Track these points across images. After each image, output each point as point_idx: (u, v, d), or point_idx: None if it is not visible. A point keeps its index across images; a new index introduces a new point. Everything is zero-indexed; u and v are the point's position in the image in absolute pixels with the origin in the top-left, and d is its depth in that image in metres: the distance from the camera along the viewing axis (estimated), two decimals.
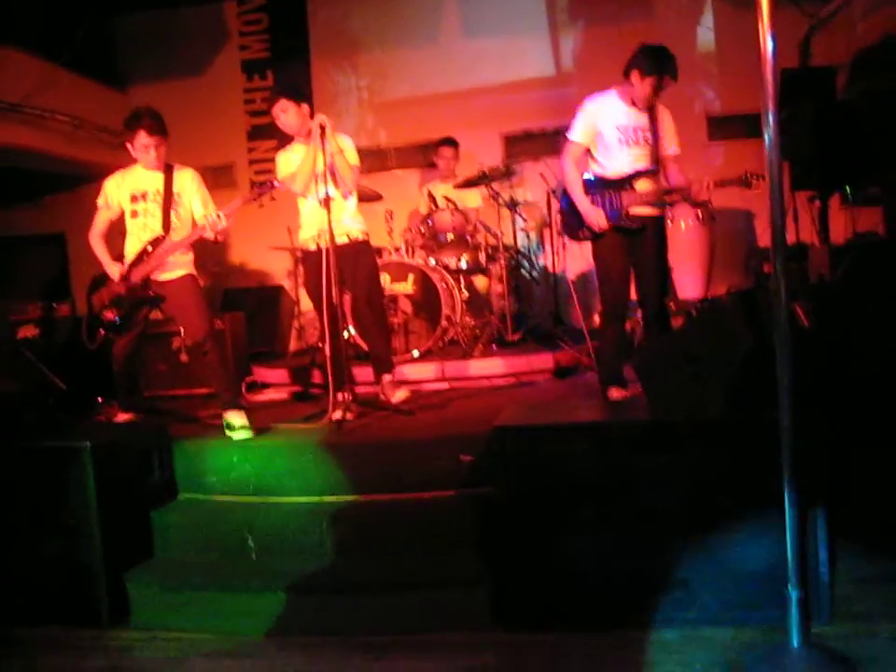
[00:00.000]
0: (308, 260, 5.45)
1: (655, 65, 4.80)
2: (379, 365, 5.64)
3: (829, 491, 3.25)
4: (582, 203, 4.93)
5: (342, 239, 5.33)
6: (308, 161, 5.22)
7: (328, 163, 5.14)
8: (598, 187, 4.98)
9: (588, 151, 5.03)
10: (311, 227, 5.41)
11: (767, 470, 2.99)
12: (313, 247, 5.40)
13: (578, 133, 4.98)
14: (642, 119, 4.96)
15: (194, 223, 5.17)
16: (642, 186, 4.96)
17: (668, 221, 7.13)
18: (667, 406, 3.74)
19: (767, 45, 2.66)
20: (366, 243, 5.57)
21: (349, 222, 5.45)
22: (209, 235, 5.01)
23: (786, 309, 2.90)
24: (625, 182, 4.94)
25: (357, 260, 5.44)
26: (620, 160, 4.96)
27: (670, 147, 5.02)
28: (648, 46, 4.89)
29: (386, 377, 5.61)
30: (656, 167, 5.00)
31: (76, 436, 4.24)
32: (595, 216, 4.89)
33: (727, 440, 3.44)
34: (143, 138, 5.02)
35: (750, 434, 3.36)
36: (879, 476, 3.65)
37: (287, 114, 5.37)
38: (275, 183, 5.19)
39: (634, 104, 4.93)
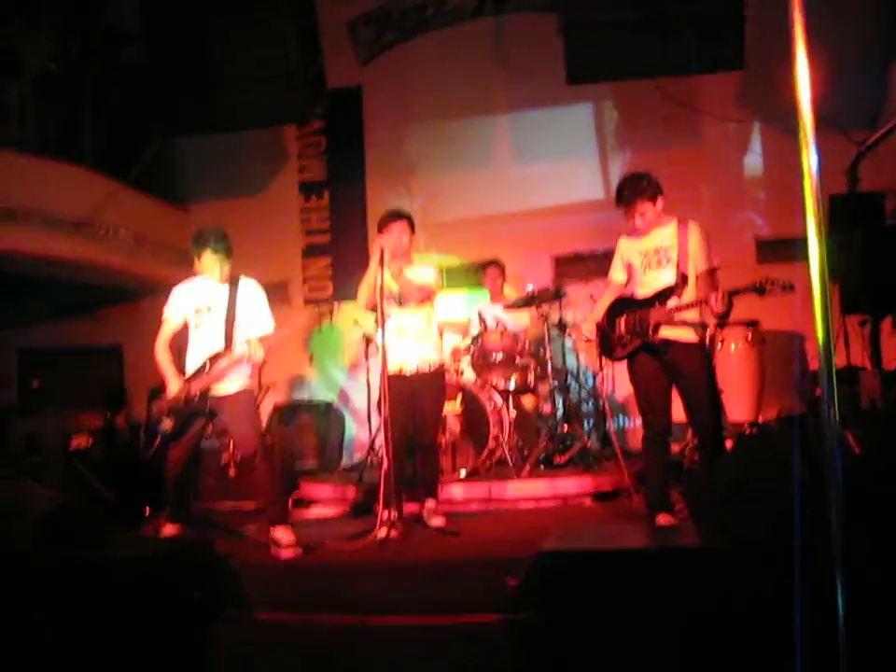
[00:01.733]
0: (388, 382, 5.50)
1: (619, 197, 5.04)
2: (426, 488, 5.67)
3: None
4: (594, 312, 5.32)
5: (421, 367, 5.49)
6: (370, 279, 5.34)
7: (391, 286, 5.35)
8: (627, 306, 5.11)
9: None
10: (393, 350, 5.44)
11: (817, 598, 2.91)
12: (397, 372, 5.45)
13: (612, 270, 5.32)
14: (662, 240, 5.04)
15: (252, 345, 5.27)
16: (669, 303, 4.99)
17: (719, 343, 7.16)
18: (716, 534, 3.69)
19: (811, 168, 2.70)
20: (440, 373, 5.69)
21: (427, 349, 5.59)
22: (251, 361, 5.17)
23: (836, 436, 2.87)
24: (654, 300, 5.00)
25: (428, 388, 5.56)
26: (644, 282, 5.08)
27: (697, 264, 5.00)
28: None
29: (430, 502, 5.62)
30: (682, 284, 5.03)
31: (120, 549, 4.26)
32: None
33: (777, 567, 3.37)
34: (208, 257, 5.18)
35: (801, 562, 3.30)
36: None
37: (405, 235, 5.53)
38: (335, 309, 5.35)
39: (639, 230, 5.08)
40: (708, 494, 3.88)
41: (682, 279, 4.99)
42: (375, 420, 7.27)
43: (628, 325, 5.03)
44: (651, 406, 5.01)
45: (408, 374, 5.44)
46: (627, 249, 5.18)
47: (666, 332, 4.94)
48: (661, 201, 5.02)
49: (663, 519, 4.88)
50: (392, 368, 5.39)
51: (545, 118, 9.25)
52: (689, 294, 4.96)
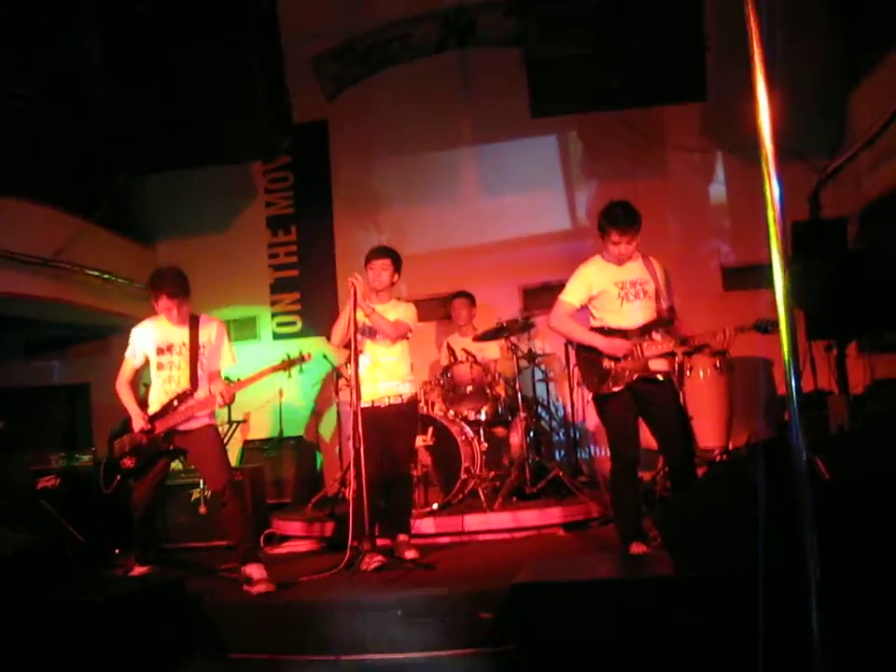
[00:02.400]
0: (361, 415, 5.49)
1: (609, 221, 4.99)
2: (398, 522, 5.66)
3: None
4: (596, 339, 5.04)
5: (394, 400, 5.53)
6: (344, 317, 5.36)
7: (362, 322, 5.35)
8: (617, 335, 5.05)
9: (586, 309, 5.18)
10: (366, 384, 5.45)
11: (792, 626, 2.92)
12: (369, 405, 5.45)
13: (571, 294, 5.12)
14: (636, 272, 5.10)
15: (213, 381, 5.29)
16: (659, 336, 5.04)
17: (687, 371, 7.20)
18: (690, 562, 3.69)
19: (774, 197, 2.73)
20: (413, 405, 5.75)
21: (398, 382, 5.60)
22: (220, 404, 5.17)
23: (805, 462, 2.89)
24: (643, 332, 5.02)
25: (400, 422, 5.58)
26: (622, 313, 5.06)
27: (668, 298, 5.12)
28: (607, 205, 5.10)
29: (402, 536, 5.63)
30: (665, 318, 5.09)
31: (89, 590, 4.21)
32: (619, 342, 4.97)
33: (749, 595, 3.37)
34: (164, 301, 5.17)
35: (774, 589, 3.30)
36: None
37: (386, 272, 5.54)
38: (306, 357, 5.29)
39: (617, 260, 5.08)
40: (681, 522, 3.89)
41: (668, 312, 5.07)
42: (347, 454, 7.25)
43: (624, 358, 5.01)
44: (626, 435, 5.02)
45: (382, 406, 5.45)
46: (600, 277, 5.09)
47: (655, 363, 5.01)
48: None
49: (636, 548, 4.88)
50: (365, 401, 5.39)
51: (511, 150, 9.30)
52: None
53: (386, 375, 5.51)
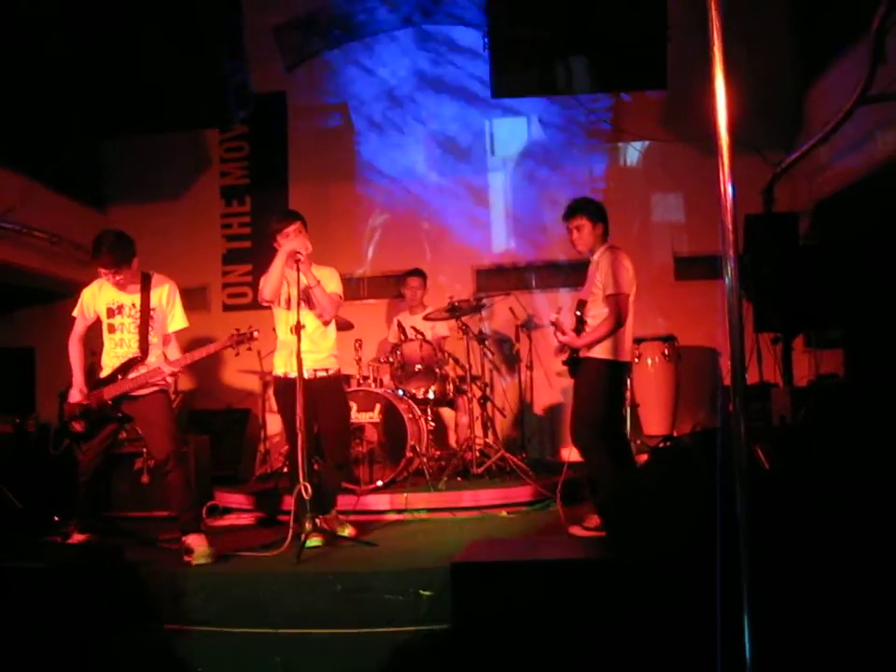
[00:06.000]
0: (280, 387, 5.46)
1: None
2: (328, 499, 5.56)
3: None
4: None
5: (319, 371, 5.39)
6: (276, 269, 5.29)
7: (297, 295, 5.18)
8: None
9: None
10: (285, 354, 5.38)
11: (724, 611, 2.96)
12: (284, 374, 5.40)
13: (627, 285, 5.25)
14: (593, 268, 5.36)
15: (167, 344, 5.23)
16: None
17: (635, 358, 7.29)
18: (630, 545, 3.73)
19: (727, 189, 2.75)
20: (337, 378, 5.60)
21: (325, 355, 5.49)
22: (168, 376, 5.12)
23: (746, 451, 2.93)
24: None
25: (328, 396, 5.45)
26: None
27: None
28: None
29: (332, 511, 5.56)
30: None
31: (28, 557, 4.16)
32: None
33: (684, 580, 3.41)
34: (102, 271, 5.09)
35: (707, 575, 3.35)
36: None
37: (305, 236, 5.40)
38: (255, 334, 5.21)
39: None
40: (623, 506, 3.93)
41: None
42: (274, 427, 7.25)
43: None
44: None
45: (308, 379, 5.26)
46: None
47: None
48: (601, 226, 5.33)
49: (577, 530, 4.93)
50: (280, 370, 5.42)
51: (467, 129, 9.29)
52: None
53: (312, 346, 5.32)
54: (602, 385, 5.19)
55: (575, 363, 5.30)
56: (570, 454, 5.56)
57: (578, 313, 5.32)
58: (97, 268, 5.10)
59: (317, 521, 5.14)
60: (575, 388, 5.34)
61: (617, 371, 5.25)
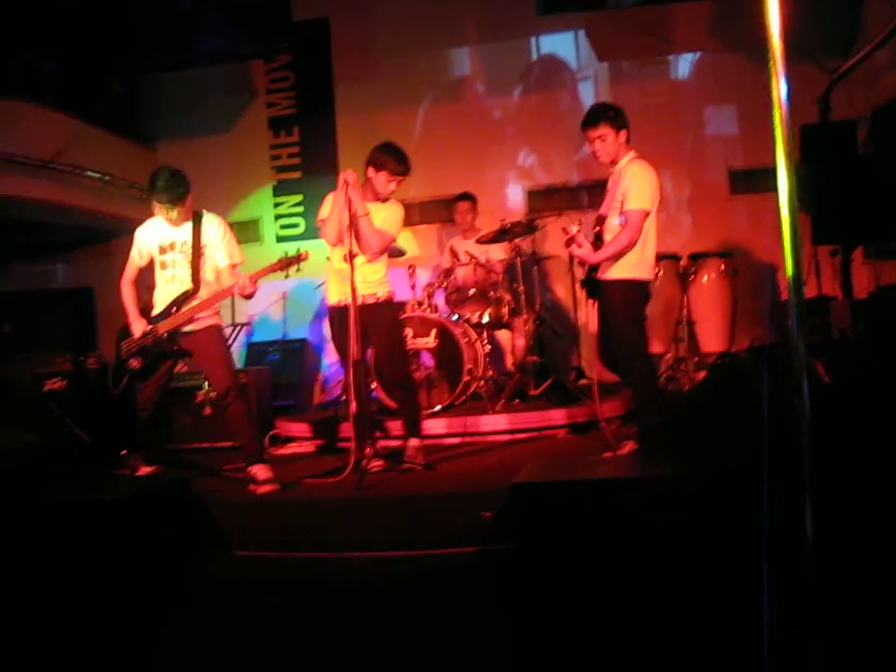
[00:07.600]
0: (334, 316, 5.48)
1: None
2: (407, 427, 5.61)
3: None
4: None
5: (368, 298, 5.35)
6: (335, 213, 5.27)
7: (349, 221, 5.12)
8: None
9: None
10: (338, 282, 5.39)
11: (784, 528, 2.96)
12: (338, 302, 5.41)
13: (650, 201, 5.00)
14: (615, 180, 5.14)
15: (223, 278, 5.26)
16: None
17: (691, 275, 7.20)
18: (687, 463, 3.73)
19: (781, 92, 2.68)
20: (389, 303, 5.54)
21: (375, 283, 5.45)
22: (237, 295, 5.11)
23: (805, 365, 2.89)
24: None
25: (380, 320, 5.41)
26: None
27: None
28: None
29: (413, 441, 5.56)
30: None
31: (97, 490, 4.27)
32: None
33: (748, 496, 3.41)
34: (157, 206, 5.13)
35: (772, 491, 3.34)
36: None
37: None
38: (303, 256, 5.19)
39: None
40: (680, 423, 3.92)
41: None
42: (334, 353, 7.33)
43: None
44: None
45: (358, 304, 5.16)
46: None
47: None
48: (623, 133, 5.07)
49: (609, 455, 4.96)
50: (334, 299, 5.42)
51: (516, 49, 9.13)
52: None
53: (361, 277, 5.21)
54: (630, 308, 5.01)
55: (592, 284, 5.11)
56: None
57: (597, 229, 5.09)
58: (153, 204, 5.15)
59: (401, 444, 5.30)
60: (602, 313, 5.13)
61: (641, 291, 5.07)
